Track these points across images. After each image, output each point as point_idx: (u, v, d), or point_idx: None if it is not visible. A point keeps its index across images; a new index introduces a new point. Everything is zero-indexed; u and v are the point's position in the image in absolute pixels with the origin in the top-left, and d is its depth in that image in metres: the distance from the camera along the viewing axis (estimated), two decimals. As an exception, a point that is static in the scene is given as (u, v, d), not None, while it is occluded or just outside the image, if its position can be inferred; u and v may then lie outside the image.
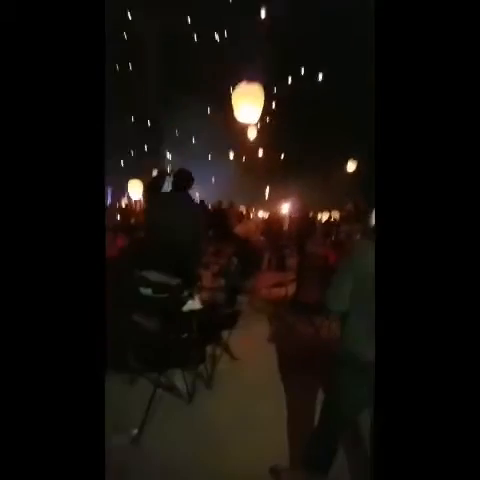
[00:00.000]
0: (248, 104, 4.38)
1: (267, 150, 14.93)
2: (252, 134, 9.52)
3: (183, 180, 2.99)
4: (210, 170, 14.91)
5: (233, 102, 4.48)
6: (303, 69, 14.05)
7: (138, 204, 8.58)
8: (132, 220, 7.12)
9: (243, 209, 7.42)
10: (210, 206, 6.80)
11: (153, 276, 2.52)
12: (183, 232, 2.81)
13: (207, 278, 3.84)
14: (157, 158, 13.56)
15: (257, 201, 13.61)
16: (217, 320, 2.76)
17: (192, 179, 3.03)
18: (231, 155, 15.47)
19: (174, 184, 2.98)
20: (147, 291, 2.49)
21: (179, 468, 1.74)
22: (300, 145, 14.36)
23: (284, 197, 11.36)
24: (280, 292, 4.10)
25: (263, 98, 4.47)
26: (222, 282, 3.93)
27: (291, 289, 3.98)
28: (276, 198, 12.86)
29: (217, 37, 13.10)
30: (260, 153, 15.03)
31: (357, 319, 1.50)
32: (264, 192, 17.02)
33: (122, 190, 10.19)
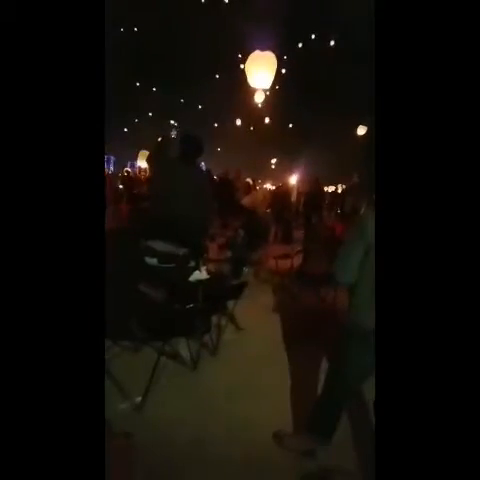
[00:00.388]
0: (262, 70, 4.66)
1: (274, 118, 14.52)
2: (260, 101, 9.24)
3: (191, 147, 2.87)
4: (216, 138, 14.60)
5: (247, 69, 4.87)
6: (313, 35, 13.37)
7: (142, 173, 8.48)
8: (136, 189, 7.07)
9: (249, 180, 7.30)
10: (216, 176, 6.69)
11: (159, 246, 2.51)
12: (190, 202, 2.77)
13: (213, 250, 3.85)
14: (162, 125, 13.25)
15: (264, 171, 13.42)
16: (223, 291, 2.78)
17: (201, 147, 2.93)
18: (238, 123, 15.08)
19: (182, 151, 2.88)
20: (153, 261, 2.50)
21: (182, 436, 1.80)
22: (307, 114, 13.94)
23: (291, 168, 11.17)
24: (286, 264, 4.10)
25: (276, 65, 4.75)
26: (228, 254, 3.94)
27: (297, 261, 3.98)
28: (283, 169, 12.66)
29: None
30: (267, 121, 14.64)
31: (365, 290, 1.50)
32: (271, 162, 16.71)
33: (126, 158, 10.07)
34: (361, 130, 12.14)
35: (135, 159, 8.27)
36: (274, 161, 16.74)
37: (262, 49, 5.25)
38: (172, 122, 14.61)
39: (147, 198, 4.95)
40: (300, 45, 13.74)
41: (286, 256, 4.03)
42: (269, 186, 10.60)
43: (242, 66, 13.15)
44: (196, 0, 12.61)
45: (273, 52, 5.07)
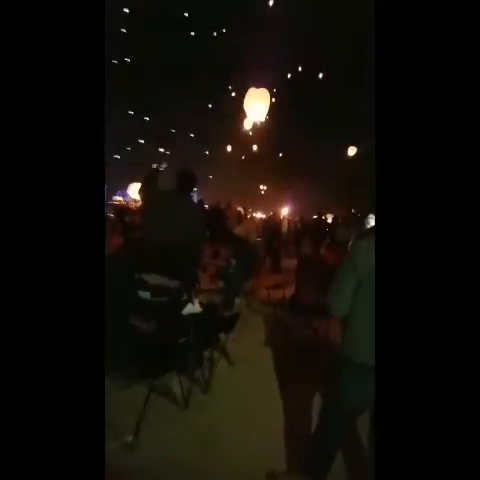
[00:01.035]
0: (257, 105, 5.51)
1: (266, 149, 14.98)
2: (250, 129, 9.60)
3: (187, 181, 3.00)
4: (208, 166, 14.95)
5: (245, 104, 5.71)
6: (300, 67, 14.14)
7: (132, 203, 8.56)
8: (127, 218, 7.10)
9: (241, 209, 7.46)
10: (207, 206, 6.82)
11: (152, 279, 2.55)
12: (183, 233, 2.84)
13: (205, 280, 3.87)
14: (154, 154, 13.54)
15: (255, 200, 13.66)
16: (215, 323, 2.80)
17: (195, 181, 3.06)
18: (229, 150, 15.53)
19: (177, 185, 2.99)
20: (146, 294, 2.52)
21: (175, 474, 1.78)
22: (298, 145, 14.41)
23: (281, 197, 11.42)
24: (278, 294, 4.15)
25: (269, 100, 5.60)
26: (220, 284, 3.96)
27: (289, 291, 4.03)
28: (273, 197, 12.92)
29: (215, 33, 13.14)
30: (259, 151, 15.09)
31: (359, 322, 1.52)
32: (261, 190, 17.03)
33: (116, 186, 10.20)
34: (351, 151, 12.32)
35: (126, 188, 8.40)
36: (264, 188, 17.09)
37: (254, 81, 6.01)
38: (162, 150, 14.93)
39: (139, 228, 5.01)
40: (289, 76, 14.48)
41: (278, 286, 4.08)
42: (260, 215, 10.79)
43: (233, 94, 13.84)
44: (187, 34, 13.29)
45: (265, 83, 5.88)
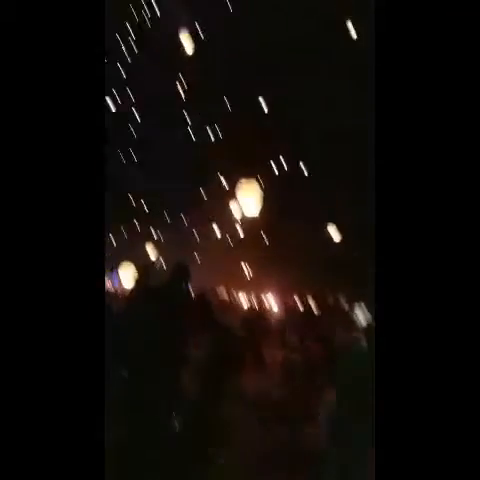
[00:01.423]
0: (250, 199, 5.55)
1: (253, 232, 15.59)
2: (239, 218, 10.06)
3: (180, 274, 3.09)
4: (198, 252, 15.34)
5: (238, 197, 5.81)
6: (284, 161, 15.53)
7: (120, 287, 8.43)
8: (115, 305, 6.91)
9: (226, 296, 7.47)
10: (193, 294, 6.80)
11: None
12: (169, 329, 2.85)
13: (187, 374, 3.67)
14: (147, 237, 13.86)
15: (240, 285, 13.67)
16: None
17: (189, 274, 3.17)
18: (218, 236, 16.04)
19: (171, 279, 3.07)
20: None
21: None
22: (285, 232, 15.01)
23: (266, 283, 11.49)
24: (266, 399, 3.89)
25: (260, 192, 5.66)
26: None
27: (278, 394, 3.81)
28: (259, 283, 13.00)
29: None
30: (246, 237, 15.67)
31: None
32: (247, 275, 17.15)
33: (107, 265, 10.14)
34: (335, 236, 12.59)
35: (116, 267, 8.41)
36: (250, 272, 17.25)
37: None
38: (153, 230, 15.33)
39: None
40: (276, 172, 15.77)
41: (265, 390, 3.81)
42: (245, 300, 10.77)
43: (224, 184, 14.93)
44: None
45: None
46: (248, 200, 5.64)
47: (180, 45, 10.05)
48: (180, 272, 3.16)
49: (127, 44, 13.17)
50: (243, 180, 5.92)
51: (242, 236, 14.09)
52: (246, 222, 10.92)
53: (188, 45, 9.79)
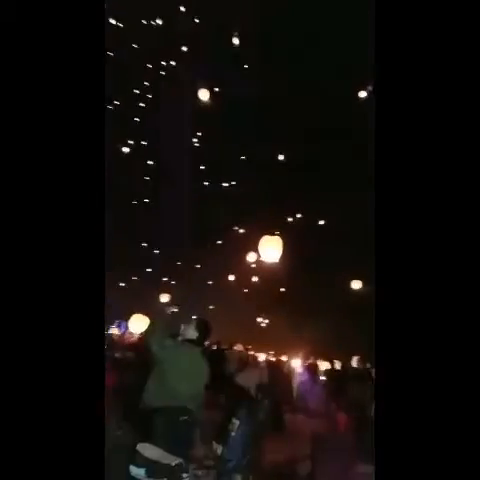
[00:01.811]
0: (272, 249, 6.27)
1: (267, 281, 15.43)
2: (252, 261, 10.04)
3: (204, 332, 2.97)
4: (209, 297, 15.17)
5: (260, 248, 6.41)
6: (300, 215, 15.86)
7: (128, 335, 8.31)
8: (120, 354, 6.73)
9: (242, 349, 7.17)
10: (208, 347, 6.59)
11: (149, 452, 2.27)
12: (194, 390, 2.69)
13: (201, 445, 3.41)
14: (157, 284, 13.88)
15: (256, 336, 13.28)
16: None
17: (211, 331, 3.05)
18: (232, 283, 15.94)
19: (192, 336, 2.93)
20: (140, 472, 2.21)
21: None
22: (300, 279, 14.86)
23: (286, 335, 11.13)
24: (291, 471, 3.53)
25: (282, 247, 6.27)
26: (218, 450, 3.48)
27: (305, 468, 3.45)
28: (277, 335, 12.61)
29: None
30: (260, 283, 15.50)
31: None
32: (263, 324, 16.77)
33: (117, 315, 10.09)
34: (356, 285, 12.35)
35: (126, 318, 8.31)
36: (266, 323, 16.86)
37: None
38: (167, 279, 15.35)
39: (132, 367, 4.77)
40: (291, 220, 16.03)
41: (291, 460, 3.51)
42: (262, 356, 10.34)
43: (239, 230, 15.17)
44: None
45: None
46: (271, 252, 6.26)
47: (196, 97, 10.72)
48: (200, 329, 3.02)
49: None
50: (266, 236, 6.54)
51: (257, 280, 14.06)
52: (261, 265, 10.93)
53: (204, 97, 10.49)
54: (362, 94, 11.48)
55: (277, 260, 6.47)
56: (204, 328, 2.98)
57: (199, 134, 14.38)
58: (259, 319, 16.67)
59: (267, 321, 16.72)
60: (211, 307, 15.77)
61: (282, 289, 16.38)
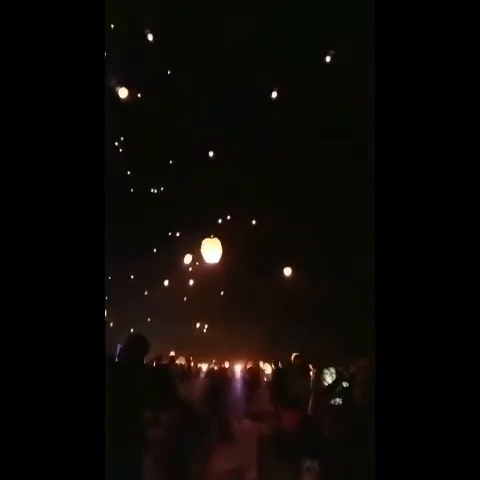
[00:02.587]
0: (213, 250, 6.86)
1: (206, 286, 15.38)
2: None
3: (137, 349, 2.83)
4: (146, 309, 14.70)
5: (202, 250, 6.92)
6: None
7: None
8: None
9: (183, 361, 7.06)
10: (148, 362, 6.36)
11: None
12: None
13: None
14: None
15: (197, 345, 13.11)
16: None
17: (148, 348, 2.91)
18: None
19: (130, 352, 2.79)
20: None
21: None
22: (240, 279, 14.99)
23: (227, 341, 11.11)
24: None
25: (221, 247, 6.94)
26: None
27: (251, 476, 3.49)
28: (218, 342, 12.53)
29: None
30: (199, 288, 15.41)
31: None
32: (204, 329, 16.58)
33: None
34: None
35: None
36: (206, 328, 16.67)
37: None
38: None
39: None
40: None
41: (237, 471, 3.52)
42: (204, 365, 10.23)
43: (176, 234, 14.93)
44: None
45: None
46: (211, 253, 6.77)
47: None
48: (137, 345, 2.87)
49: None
50: (207, 239, 6.98)
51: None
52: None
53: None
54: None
55: (218, 261, 6.93)
56: (141, 345, 2.83)
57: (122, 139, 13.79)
58: (199, 325, 16.50)
59: (207, 326, 16.60)
60: (149, 320, 15.28)
61: (222, 293, 16.39)
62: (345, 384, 4.24)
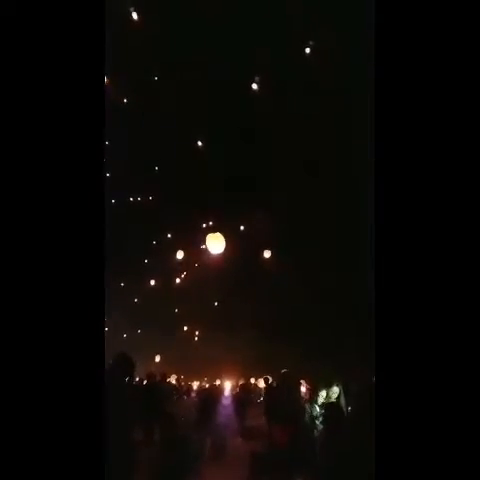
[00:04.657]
0: (217, 243, 7.76)
1: (200, 296, 15.35)
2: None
3: (123, 368, 2.91)
4: (138, 320, 14.71)
5: (207, 243, 7.91)
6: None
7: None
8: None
9: (174, 380, 7.16)
10: (139, 379, 6.52)
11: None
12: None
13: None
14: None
15: (190, 363, 13.01)
16: None
17: (133, 367, 3.02)
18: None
19: (115, 370, 2.87)
20: None
21: None
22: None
23: (219, 357, 11.10)
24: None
25: (224, 240, 7.79)
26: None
27: None
28: (211, 357, 12.49)
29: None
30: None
31: None
32: (195, 338, 16.40)
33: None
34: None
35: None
36: (197, 337, 16.47)
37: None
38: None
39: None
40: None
41: None
42: (196, 384, 10.23)
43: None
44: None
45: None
46: (216, 244, 7.67)
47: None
48: (121, 364, 2.98)
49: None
50: (210, 234, 7.91)
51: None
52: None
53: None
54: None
55: (222, 251, 7.77)
56: (125, 364, 2.91)
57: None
58: (193, 338, 16.40)
59: (199, 336, 16.47)
60: (139, 331, 15.23)
61: (216, 303, 16.33)
62: (335, 396, 4.43)
